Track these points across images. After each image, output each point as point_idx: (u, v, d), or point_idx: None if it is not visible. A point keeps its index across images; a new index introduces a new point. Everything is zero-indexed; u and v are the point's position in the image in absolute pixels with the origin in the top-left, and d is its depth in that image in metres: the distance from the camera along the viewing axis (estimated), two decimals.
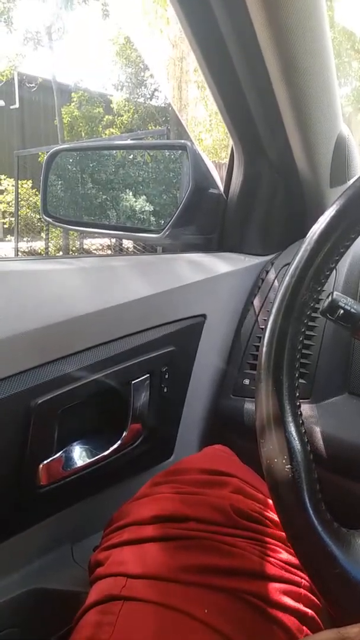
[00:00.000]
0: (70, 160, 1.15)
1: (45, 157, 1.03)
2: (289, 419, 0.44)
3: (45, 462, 0.60)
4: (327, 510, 0.43)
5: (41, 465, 0.60)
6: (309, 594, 0.51)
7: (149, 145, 1.28)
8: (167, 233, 0.91)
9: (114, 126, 13.65)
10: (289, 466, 0.42)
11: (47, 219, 1.05)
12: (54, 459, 0.61)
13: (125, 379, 0.67)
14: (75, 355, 0.62)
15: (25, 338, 0.56)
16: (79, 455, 0.65)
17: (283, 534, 0.54)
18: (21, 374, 0.57)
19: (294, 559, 0.52)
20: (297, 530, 0.42)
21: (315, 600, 0.52)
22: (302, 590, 0.51)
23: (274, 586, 0.50)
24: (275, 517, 0.56)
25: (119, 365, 0.66)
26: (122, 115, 13.82)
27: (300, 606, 0.50)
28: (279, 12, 0.63)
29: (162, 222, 1.00)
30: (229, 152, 0.96)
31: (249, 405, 0.78)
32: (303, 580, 0.52)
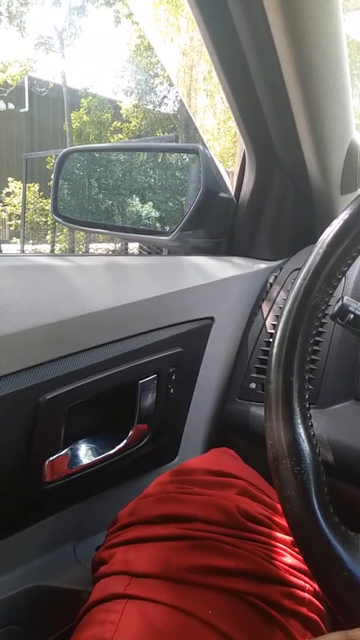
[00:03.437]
0: (81, 162, 1.15)
1: (57, 157, 1.03)
2: (298, 420, 0.44)
3: (51, 458, 0.60)
4: (335, 514, 0.43)
5: (47, 462, 0.60)
6: (314, 599, 0.51)
7: (160, 148, 1.29)
8: (176, 236, 0.91)
9: (122, 132, 13.71)
10: (297, 468, 0.42)
11: (57, 218, 1.05)
12: (59, 455, 0.61)
13: (132, 378, 0.67)
14: (84, 352, 0.62)
15: (35, 334, 0.56)
16: (85, 454, 0.65)
17: (288, 537, 0.54)
18: (30, 369, 0.57)
19: (299, 563, 0.52)
20: (305, 532, 0.42)
21: (320, 605, 0.51)
22: (306, 595, 0.51)
23: (279, 589, 0.49)
24: (281, 520, 0.55)
25: (126, 364, 0.66)
26: (131, 122, 13.89)
27: (304, 610, 0.50)
28: (296, 19, 0.63)
29: (168, 227, 1.01)
30: (237, 159, 0.96)
31: (254, 410, 0.78)
32: (307, 585, 0.52)
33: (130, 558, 0.51)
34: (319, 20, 0.63)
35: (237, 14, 0.69)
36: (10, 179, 11.08)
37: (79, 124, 13.09)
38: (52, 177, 1.03)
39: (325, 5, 0.62)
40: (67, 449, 0.63)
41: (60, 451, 0.62)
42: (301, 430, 0.44)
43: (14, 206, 11.16)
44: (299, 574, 0.52)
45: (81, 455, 0.65)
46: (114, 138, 13.39)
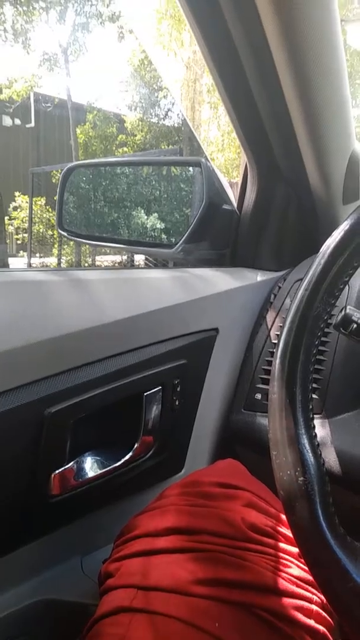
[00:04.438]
0: (86, 176, 1.16)
1: (62, 172, 1.04)
2: (302, 431, 0.44)
3: (57, 471, 0.60)
4: (340, 525, 0.43)
5: (53, 475, 0.60)
6: (321, 611, 0.51)
7: (163, 162, 1.30)
8: (180, 248, 0.92)
9: (127, 145, 13.83)
10: (302, 479, 0.42)
11: (62, 232, 1.06)
12: (65, 468, 0.61)
13: (137, 390, 0.68)
14: (89, 365, 0.62)
15: (40, 347, 0.57)
16: (91, 466, 0.65)
17: (295, 549, 0.54)
18: (35, 383, 0.57)
19: (306, 575, 0.52)
20: (310, 543, 0.42)
21: (327, 617, 0.51)
22: (314, 607, 0.51)
23: (286, 602, 0.49)
24: (287, 531, 0.55)
25: (131, 376, 0.66)
26: (136, 135, 14.01)
27: (312, 623, 0.49)
28: (294, 31, 0.64)
29: (173, 239, 1.01)
30: (241, 170, 0.97)
31: (260, 420, 0.78)
32: (315, 597, 0.51)
33: (137, 571, 0.51)
34: (316, 34, 0.64)
35: (236, 30, 0.70)
36: (17, 194, 11.19)
37: (85, 139, 13.22)
38: (57, 191, 1.05)
39: (323, 18, 0.63)
40: (73, 462, 0.63)
41: (66, 464, 0.62)
42: (305, 441, 0.44)
43: (21, 220, 11.26)
44: (306, 586, 0.51)
45: (87, 468, 0.65)
46: (119, 151, 13.51)
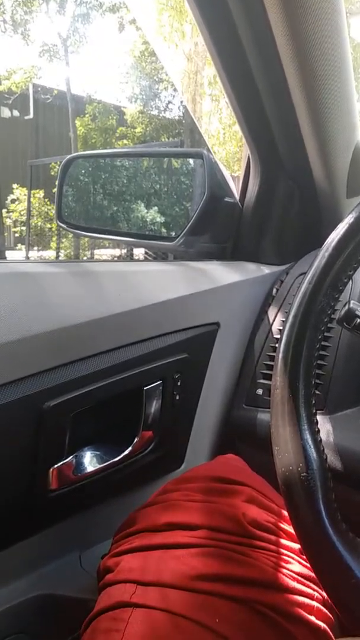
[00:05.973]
0: (86, 168, 1.15)
1: (61, 164, 1.03)
2: (305, 426, 0.44)
3: (55, 466, 0.60)
4: (342, 521, 0.42)
5: (52, 469, 0.60)
6: (322, 608, 0.50)
7: (164, 153, 1.29)
8: (181, 241, 0.91)
9: (128, 138, 13.77)
10: (304, 474, 0.42)
11: (62, 224, 1.05)
12: (64, 463, 0.61)
13: (137, 384, 0.67)
14: (89, 359, 0.62)
15: (39, 340, 0.56)
16: (90, 461, 0.65)
17: (296, 545, 0.54)
18: (34, 376, 0.57)
19: (307, 571, 0.52)
20: (312, 539, 0.41)
21: (328, 614, 0.51)
22: (314, 604, 0.50)
23: (287, 598, 0.49)
24: (288, 527, 0.55)
25: (131, 370, 0.66)
26: (136, 128, 13.95)
27: (313, 619, 0.49)
28: (298, 22, 0.63)
29: (173, 233, 1.00)
30: (243, 164, 0.96)
31: (261, 416, 0.78)
32: (316, 594, 0.51)
33: (136, 566, 0.50)
34: (321, 26, 0.63)
35: (240, 21, 0.69)
36: (15, 186, 11.14)
37: (84, 131, 13.17)
38: (57, 183, 1.03)
39: (328, 11, 0.62)
40: (72, 456, 0.63)
41: (65, 458, 0.61)
42: (308, 436, 0.43)
43: (19, 213, 11.21)
44: (307, 582, 0.51)
45: (86, 462, 0.65)
46: (119, 144, 13.46)
